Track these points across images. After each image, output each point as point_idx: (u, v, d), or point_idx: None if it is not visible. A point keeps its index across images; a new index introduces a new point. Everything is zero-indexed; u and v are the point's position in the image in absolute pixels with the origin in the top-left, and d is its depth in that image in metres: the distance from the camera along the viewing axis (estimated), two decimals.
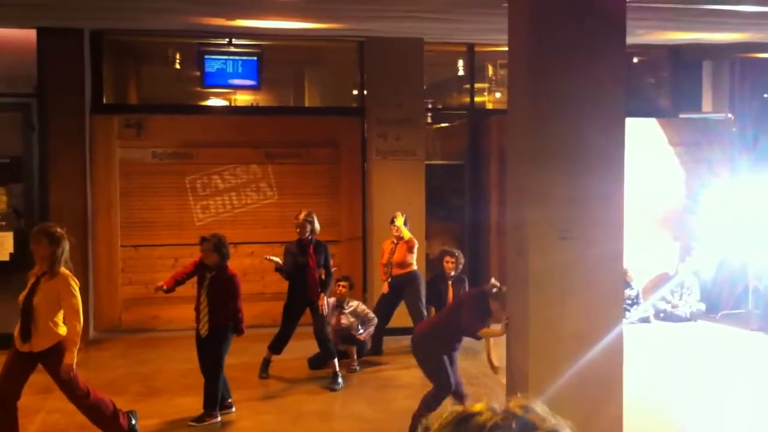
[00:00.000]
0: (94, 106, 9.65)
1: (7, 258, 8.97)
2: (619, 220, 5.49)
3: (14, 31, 9.32)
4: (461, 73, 11.23)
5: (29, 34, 9.11)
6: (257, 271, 9.80)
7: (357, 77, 10.64)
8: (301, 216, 7.79)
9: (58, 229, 5.82)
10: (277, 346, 7.92)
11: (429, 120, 11.10)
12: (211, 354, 6.61)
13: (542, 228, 5.27)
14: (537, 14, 5.33)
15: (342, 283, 8.36)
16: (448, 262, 9.03)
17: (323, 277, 7.87)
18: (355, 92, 10.90)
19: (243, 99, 12.08)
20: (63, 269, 5.70)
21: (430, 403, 6.11)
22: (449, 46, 10.96)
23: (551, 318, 5.33)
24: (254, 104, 11.76)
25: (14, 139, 10.21)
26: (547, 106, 5.31)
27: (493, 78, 11.58)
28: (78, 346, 5.67)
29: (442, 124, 11.82)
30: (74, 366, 5.62)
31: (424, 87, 10.32)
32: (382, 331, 8.76)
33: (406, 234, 8.61)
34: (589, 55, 5.36)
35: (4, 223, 9.09)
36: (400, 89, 10.05)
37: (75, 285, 5.70)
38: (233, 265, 6.87)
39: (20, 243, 8.96)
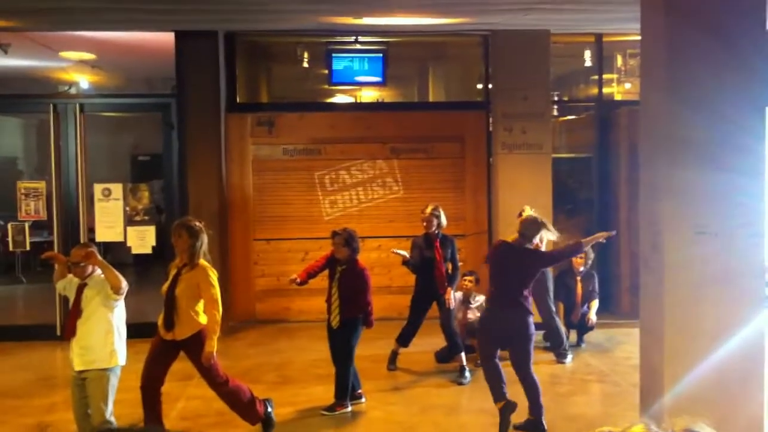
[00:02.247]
0: (228, 105, 10.04)
1: (149, 251, 9.48)
2: (758, 214, 5.27)
3: (153, 34, 9.80)
4: (588, 63, 10.99)
5: (167, 38, 9.57)
6: (384, 264, 9.96)
7: (482, 71, 10.61)
8: (428, 210, 7.86)
9: (197, 223, 6.09)
10: (405, 339, 8.01)
11: (555, 112, 10.94)
12: (342, 345, 6.76)
13: (678, 223, 5.12)
14: (672, 1, 5.17)
15: (468, 278, 8.37)
16: (577, 257, 8.89)
17: (450, 271, 7.90)
18: (480, 86, 10.88)
19: (368, 95, 12.27)
20: (202, 261, 5.96)
21: None
22: (576, 37, 10.76)
23: (687, 315, 5.17)
24: (380, 100, 11.93)
25: (155, 137, 10.76)
26: (682, 97, 5.15)
27: (623, 68, 11.28)
28: (217, 335, 5.93)
29: (569, 117, 11.62)
30: (214, 354, 5.88)
31: (551, 79, 10.18)
32: None
33: None
34: (726, 43, 5.16)
35: (146, 217, 9.59)
36: (525, 82, 9.95)
37: (213, 276, 5.95)
38: (360, 258, 7.00)
39: (161, 236, 9.44)
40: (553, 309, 8.55)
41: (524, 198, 9.38)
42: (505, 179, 9.97)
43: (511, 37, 9.86)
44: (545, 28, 9.69)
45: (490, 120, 10.26)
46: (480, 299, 8.39)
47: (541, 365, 8.21)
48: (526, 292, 6.26)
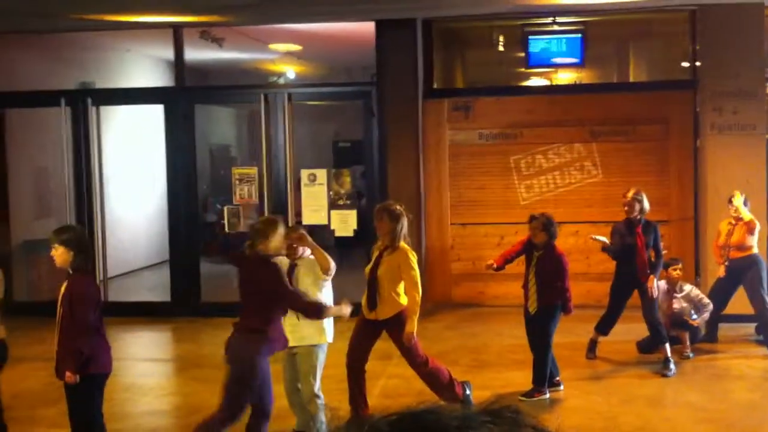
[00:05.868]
0: (425, 91, 10.19)
1: (351, 234, 9.84)
2: None
3: (354, 25, 10.14)
4: None
5: (367, 27, 9.85)
6: (581, 250, 9.74)
7: (688, 48, 10.07)
8: (630, 194, 7.59)
9: (398, 207, 6.25)
10: (605, 327, 7.82)
11: None
12: (539, 331, 6.72)
13: None
14: None
15: (676, 267, 8.02)
16: None
17: (652, 258, 7.61)
18: (686, 64, 10.33)
19: (565, 77, 12.01)
20: (403, 244, 6.11)
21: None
22: None
23: None
24: (577, 82, 11.65)
25: (355, 124, 11.16)
26: None
27: None
28: (418, 316, 6.07)
29: None
30: (415, 334, 6.04)
31: (765, 54, 9.49)
32: (717, 317, 8.27)
33: (746, 215, 8.03)
34: None
35: (348, 201, 9.96)
36: (737, 59, 9.34)
37: (413, 258, 6.09)
38: (558, 244, 6.90)
39: (361, 220, 9.78)
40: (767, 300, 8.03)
41: (735, 182, 8.86)
42: (713, 162, 9.44)
43: (722, 11, 9.29)
44: (759, 1, 9.05)
45: (698, 100, 9.74)
46: (687, 288, 8.03)
47: (754, 360, 7.77)
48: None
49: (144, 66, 12.92)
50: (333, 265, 5.65)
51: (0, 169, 10.32)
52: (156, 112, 10.61)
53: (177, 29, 10.05)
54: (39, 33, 10.49)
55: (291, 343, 5.77)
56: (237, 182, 9.97)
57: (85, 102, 10.17)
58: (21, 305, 9.48)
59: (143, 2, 8.23)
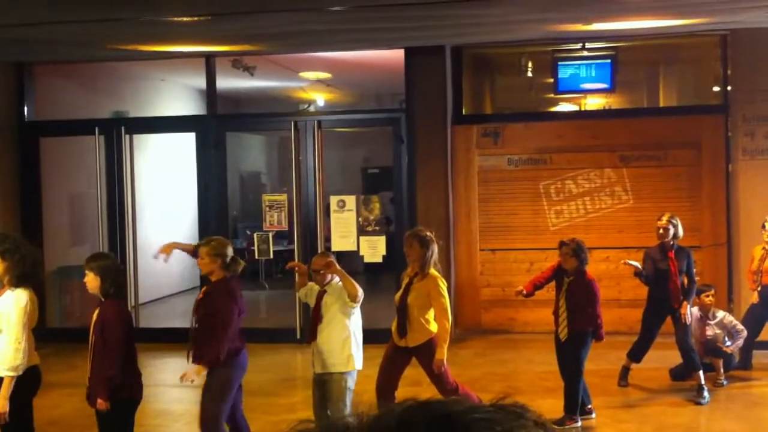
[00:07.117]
0: (454, 117, 10.21)
1: (380, 260, 9.85)
2: None
3: (383, 52, 10.22)
4: None
5: (397, 55, 9.92)
6: (612, 276, 9.66)
7: (719, 73, 10.01)
8: (664, 219, 7.53)
9: (428, 233, 6.26)
10: (637, 354, 7.73)
11: None
12: (570, 358, 6.65)
13: None
14: None
15: (709, 293, 7.92)
16: None
17: (685, 284, 7.52)
18: (717, 89, 10.26)
19: (594, 103, 11.99)
20: (432, 270, 6.12)
21: None
22: None
23: None
24: (607, 107, 11.62)
25: (385, 151, 11.21)
26: None
27: None
28: (447, 343, 6.05)
29: None
30: (445, 361, 6.01)
31: None
32: (751, 344, 8.14)
33: None
34: None
35: (377, 228, 9.98)
36: None
37: (443, 285, 6.09)
38: (588, 270, 6.85)
39: (391, 246, 9.78)
40: None
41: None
42: (746, 187, 9.34)
43: (754, 35, 9.22)
44: None
45: (729, 124, 9.66)
46: (720, 315, 7.92)
47: None
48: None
49: (177, 94, 13.11)
50: (361, 292, 5.66)
51: (35, 196, 10.48)
52: (188, 140, 10.74)
53: (209, 58, 10.20)
54: (75, 62, 10.70)
55: (319, 370, 5.79)
56: (267, 209, 10.03)
57: (119, 130, 10.33)
58: (54, 331, 9.59)
59: (177, 33, 8.37)
